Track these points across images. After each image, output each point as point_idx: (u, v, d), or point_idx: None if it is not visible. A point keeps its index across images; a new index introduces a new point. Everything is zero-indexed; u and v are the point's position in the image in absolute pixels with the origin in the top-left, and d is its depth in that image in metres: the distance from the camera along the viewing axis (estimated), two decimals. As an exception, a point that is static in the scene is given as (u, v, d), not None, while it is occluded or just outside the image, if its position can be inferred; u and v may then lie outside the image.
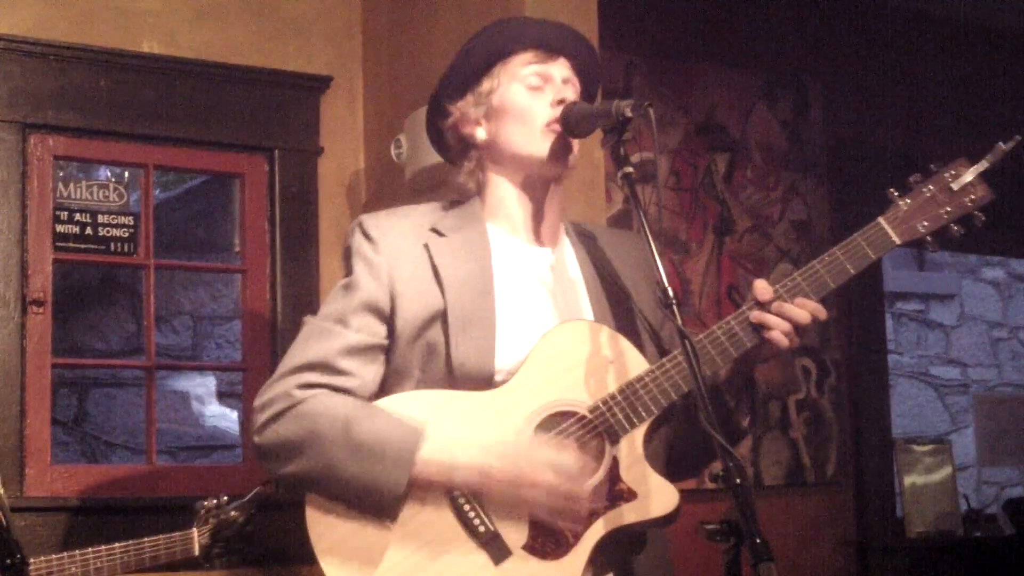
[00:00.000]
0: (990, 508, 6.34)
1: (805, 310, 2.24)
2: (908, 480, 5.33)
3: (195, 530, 3.27)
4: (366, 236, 2.36)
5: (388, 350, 2.30)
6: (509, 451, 2.20)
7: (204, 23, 4.31)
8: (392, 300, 2.30)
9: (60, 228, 4.08)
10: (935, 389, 8.16)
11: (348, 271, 2.37)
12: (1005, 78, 5.56)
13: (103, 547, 3.14)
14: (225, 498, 3.35)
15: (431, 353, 2.27)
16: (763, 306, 2.24)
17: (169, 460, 6.61)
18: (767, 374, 2.38)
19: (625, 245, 2.52)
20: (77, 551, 3.13)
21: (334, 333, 2.29)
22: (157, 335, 4.36)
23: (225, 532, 3.31)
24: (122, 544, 3.17)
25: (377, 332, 2.30)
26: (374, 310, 2.30)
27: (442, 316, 2.27)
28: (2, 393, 3.86)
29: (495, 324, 2.28)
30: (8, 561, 2.36)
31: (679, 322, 2.06)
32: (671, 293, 2.09)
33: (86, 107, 4.09)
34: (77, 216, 4.14)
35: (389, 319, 2.30)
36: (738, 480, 1.93)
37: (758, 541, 1.89)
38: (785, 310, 2.23)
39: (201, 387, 7.14)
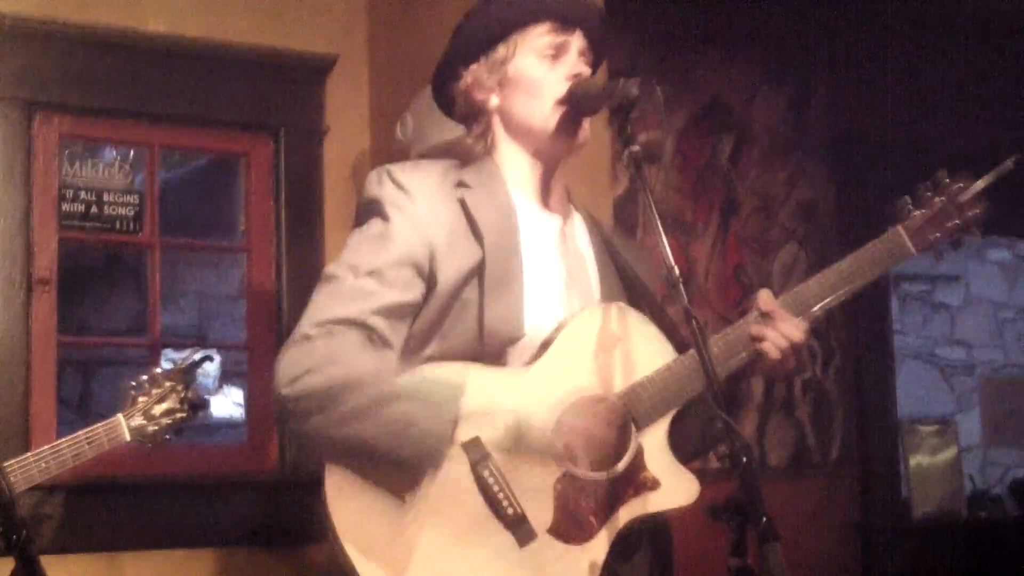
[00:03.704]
0: (995, 489, 6.33)
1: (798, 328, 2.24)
2: (913, 461, 5.32)
3: (120, 416, 3.15)
4: (399, 186, 2.27)
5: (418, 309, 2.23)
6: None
7: (209, 2, 4.30)
8: (431, 257, 2.21)
9: (65, 207, 4.08)
10: (940, 370, 8.14)
11: (381, 219, 2.25)
12: (1008, 63, 5.53)
13: (27, 455, 3.04)
14: (158, 371, 3.23)
15: (463, 311, 2.21)
16: (764, 317, 2.24)
17: (173, 439, 6.60)
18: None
19: (633, 248, 2.53)
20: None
21: (368, 290, 2.18)
22: (163, 314, 4.36)
23: (162, 405, 3.20)
24: (35, 452, 3.06)
25: (415, 288, 2.20)
26: (414, 265, 2.21)
27: (479, 270, 2.22)
28: (8, 372, 3.86)
29: (523, 285, 2.25)
30: (14, 538, 2.37)
31: (685, 300, 2.04)
32: (676, 272, 2.06)
33: (91, 87, 4.08)
34: (82, 195, 4.13)
35: (428, 277, 2.21)
36: (744, 460, 1.93)
37: (764, 521, 1.89)
38: (780, 324, 2.23)
39: (206, 366, 7.13)
